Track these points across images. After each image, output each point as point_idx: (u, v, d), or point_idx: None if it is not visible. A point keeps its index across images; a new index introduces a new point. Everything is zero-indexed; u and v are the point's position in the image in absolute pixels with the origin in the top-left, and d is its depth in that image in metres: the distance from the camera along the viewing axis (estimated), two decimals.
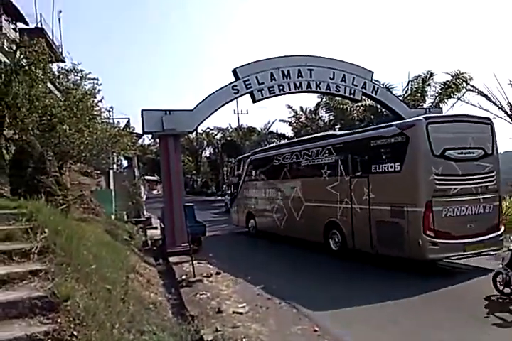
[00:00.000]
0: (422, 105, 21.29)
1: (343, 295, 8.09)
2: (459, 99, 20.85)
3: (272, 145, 19.90)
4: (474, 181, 9.58)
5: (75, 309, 4.09)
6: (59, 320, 3.93)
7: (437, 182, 9.24)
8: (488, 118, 10.78)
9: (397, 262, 9.87)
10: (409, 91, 22.44)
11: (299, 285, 8.99)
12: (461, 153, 9.59)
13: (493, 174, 9.93)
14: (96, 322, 4.15)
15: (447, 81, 21.29)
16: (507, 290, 7.23)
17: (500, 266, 7.44)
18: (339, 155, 12.03)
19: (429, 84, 22.23)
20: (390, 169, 10.11)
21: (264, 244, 15.43)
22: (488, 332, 5.95)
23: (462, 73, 20.80)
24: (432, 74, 22.08)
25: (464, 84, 20.69)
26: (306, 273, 10.20)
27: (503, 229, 10.01)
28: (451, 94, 21.16)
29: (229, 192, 24.37)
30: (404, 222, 9.48)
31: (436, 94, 21.92)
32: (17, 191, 8.27)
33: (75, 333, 3.84)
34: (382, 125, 11.09)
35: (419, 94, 21.96)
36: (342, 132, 14.23)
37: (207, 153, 50.29)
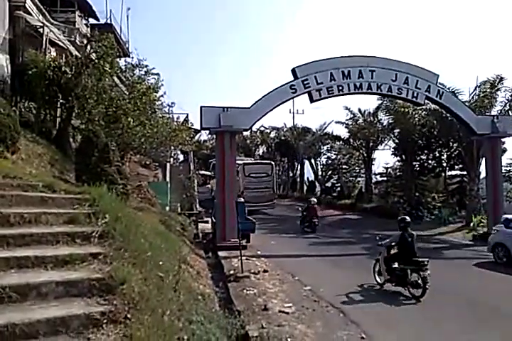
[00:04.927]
0: (490, 112, 20.05)
1: None
2: None
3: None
4: (261, 184, 26.41)
5: (130, 293, 4.21)
6: (115, 302, 4.05)
7: (246, 184, 25.56)
8: (270, 162, 29.89)
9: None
10: (475, 97, 21.15)
11: None
12: (256, 174, 26.55)
13: (270, 181, 27.36)
14: (148, 308, 4.26)
15: None
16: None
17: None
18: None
19: (498, 90, 20.80)
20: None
21: None
22: None
23: None
24: (502, 79, 20.57)
25: None
26: None
27: (275, 201, 27.91)
28: None
29: None
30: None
31: (506, 101, 20.53)
32: (81, 178, 8.71)
33: (128, 316, 3.94)
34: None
35: (486, 100, 20.62)
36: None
37: (260, 151, 50.28)
